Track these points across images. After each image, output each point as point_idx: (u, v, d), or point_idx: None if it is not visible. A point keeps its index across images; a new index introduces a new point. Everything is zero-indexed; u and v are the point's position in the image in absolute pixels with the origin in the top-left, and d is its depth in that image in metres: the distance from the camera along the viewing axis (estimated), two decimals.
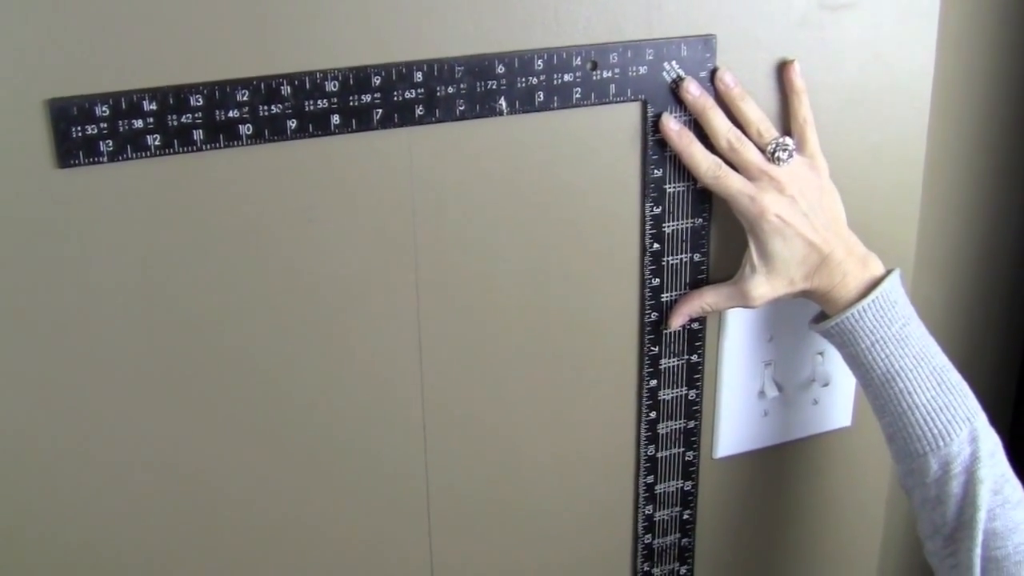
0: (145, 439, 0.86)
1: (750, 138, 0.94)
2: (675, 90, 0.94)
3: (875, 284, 0.96)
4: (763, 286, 0.96)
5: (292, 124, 0.82)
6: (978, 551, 0.92)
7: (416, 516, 0.98)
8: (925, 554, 0.98)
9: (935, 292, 1.26)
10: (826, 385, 1.11)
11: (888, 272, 0.97)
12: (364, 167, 0.86)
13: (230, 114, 0.80)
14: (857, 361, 0.97)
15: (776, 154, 0.94)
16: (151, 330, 0.83)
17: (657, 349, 1.01)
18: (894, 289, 0.96)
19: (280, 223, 0.84)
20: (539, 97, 0.89)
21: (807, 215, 0.94)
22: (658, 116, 0.94)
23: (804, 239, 0.94)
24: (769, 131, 0.95)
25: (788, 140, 0.94)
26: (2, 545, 0.85)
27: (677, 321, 1.00)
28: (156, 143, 0.78)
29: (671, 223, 0.98)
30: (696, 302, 0.99)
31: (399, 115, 0.85)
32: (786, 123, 0.98)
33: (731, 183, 0.94)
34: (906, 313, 0.96)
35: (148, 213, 0.80)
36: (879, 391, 0.96)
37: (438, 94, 0.85)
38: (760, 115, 0.95)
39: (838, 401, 1.14)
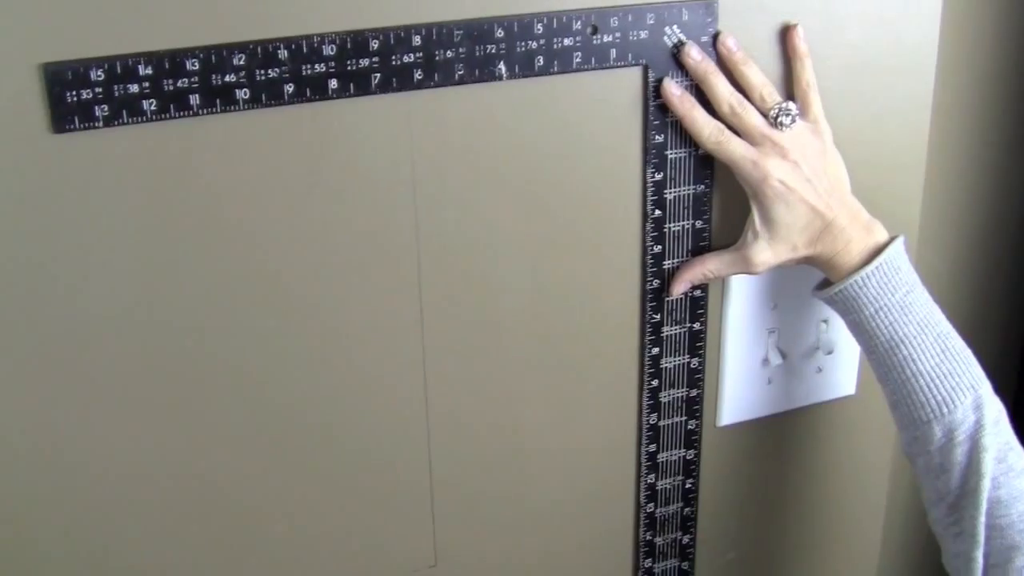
0: (137, 413, 0.86)
1: (753, 103, 0.94)
2: (676, 55, 0.93)
3: (879, 251, 0.95)
4: (765, 252, 0.95)
5: (289, 88, 0.81)
6: (982, 519, 0.92)
7: (417, 483, 0.98)
8: (929, 522, 0.98)
9: (939, 260, 1.25)
10: (830, 353, 1.11)
11: (892, 239, 0.96)
12: (363, 132, 0.85)
13: (226, 79, 0.79)
14: (860, 328, 0.97)
15: (779, 119, 0.93)
16: (147, 296, 0.83)
17: (659, 317, 1.01)
18: (898, 256, 0.95)
19: (277, 188, 0.84)
20: (539, 62, 0.88)
21: (810, 180, 0.93)
22: (659, 81, 0.93)
23: (807, 205, 0.93)
24: (772, 96, 0.94)
25: (791, 105, 0.93)
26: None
27: (679, 288, 0.99)
28: (152, 108, 0.78)
29: (673, 189, 0.97)
30: (698, 269, 0.99)
31: (398, 79, 0.84)
32: (789, 88, 0.97)
33: (733, 148, 0.93)
34: (910, 280, 0.96)
35: (144, 178, 0.80)
36: (883, 358, 0.96)
37: (437, 58, 0.84)
38: (763, 80, 0.94)
39: (842, 369, 1.13)
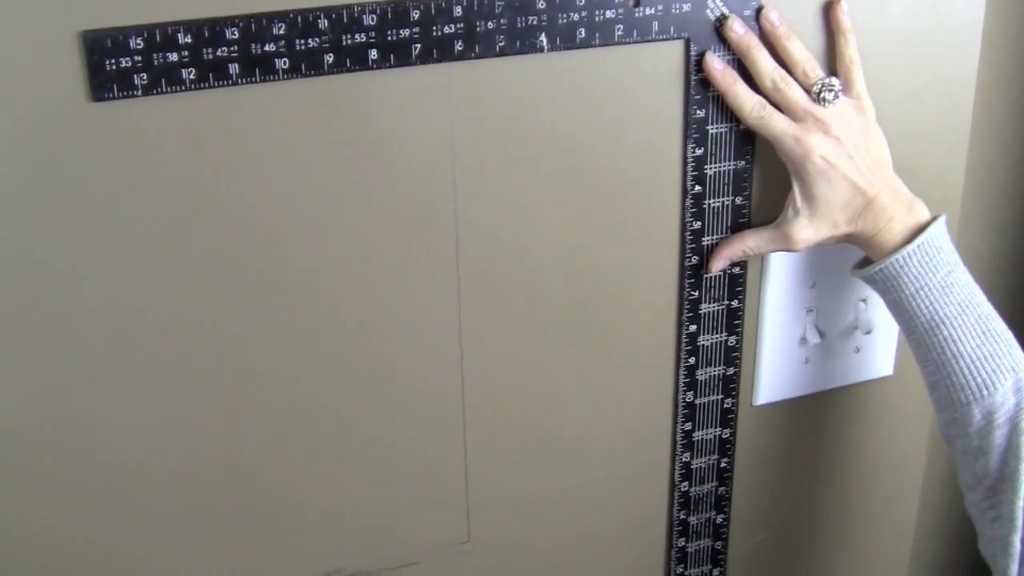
0: (169, 392, 0.86)
1: (795, 79, 0.92)
2: (719, 28, 0.91)
3: (920, 230, 0.94)
4: (806, 229, 0.94)
5: (329, 58, 0.80)
6: (1020, 503, 0.90)
7: (452, 460, 0.98)
8: (966, 505, 0.96)
9: (980, 239, 1.23)
10: (868, 333, 1.09)
11: (934, 218, 0.95)
12: (402, 103, 0.84)
13: (266, 48, 0.78)
14: (900, 308, 0.95)
15: (822, 95, 0.92)
16: (183, 267, 0.82)
17: (697, 294, 1.00)
18: (940, 235, 0.94)
19: (316, 159, 0.83)
20: (580, 34, 0.87)
21: (853, 157, 0.92)
22: (701, 55, 0.92)
23: (849, 181, 0.92)
24: (815, 71, 0.92)
25: (834, 81, 0.92)
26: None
27: (717, 265, 0.98)
28: (191, 77, 0.77)
29: (713, 165, 0.96)
30: (737, 245, 0.97)
31: (438, 50, 0.83)
32: (832, 64, 0.96)
33: (775, 124, 0.92)
34: (951, 260, 0.94)
35: (182, 148, 0.79)
36: (922, 339, 0.95)
37: (478, 29, 0.83)
38: (806, 55, 0.93)
39: (880, 349, 1.12)
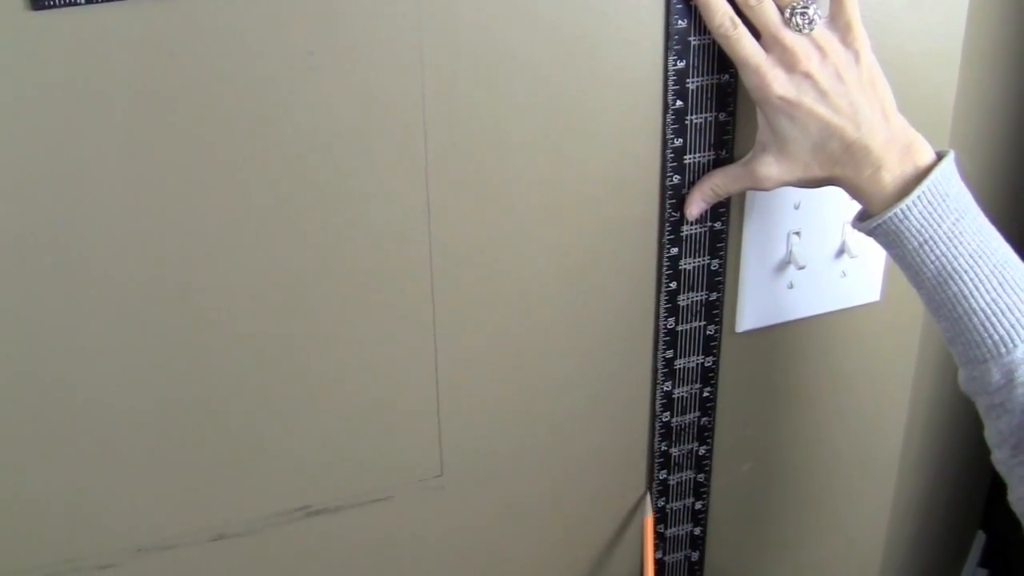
0: (128, 305, 0.81)
1: None
2: None
3: (921, 175, 0.87)
4: (772, 167, 0.90)
5: None
6: None
7: (423, 392, 0.94)
8: (993, 461, 0.91)
9: (969, 159, 1.19)
10: (855, 257, 1.06)
11: (938, 158, 0.88)
12: (369, 11, 0.79)
13: None
14: (905, 263, 0.89)
15: (793, 19, 0.86)
16: (140, 180, 0.78)
17: (679, 215, 0.96)
18: (945, 180, 0.87)
19: (277, 71, 0.78)
20: None
21: (826, 94, 0.86)
22: None
23: (819, 120, 0.86)
24: None
25: (811, 6, 0.86)
26: None
27: (693, 211, 0.95)
28: None
29: (696, 79, 0.91)
30: (706, 186, 0.94)
31: None
32: None
33: (741, 48, 0.86)
34: (960, 205, 0.87)
35: (134, 60, 0.74)
36: (932, 294, 0.89)
37: None
38: None
39: (867, 274, 1.09)
